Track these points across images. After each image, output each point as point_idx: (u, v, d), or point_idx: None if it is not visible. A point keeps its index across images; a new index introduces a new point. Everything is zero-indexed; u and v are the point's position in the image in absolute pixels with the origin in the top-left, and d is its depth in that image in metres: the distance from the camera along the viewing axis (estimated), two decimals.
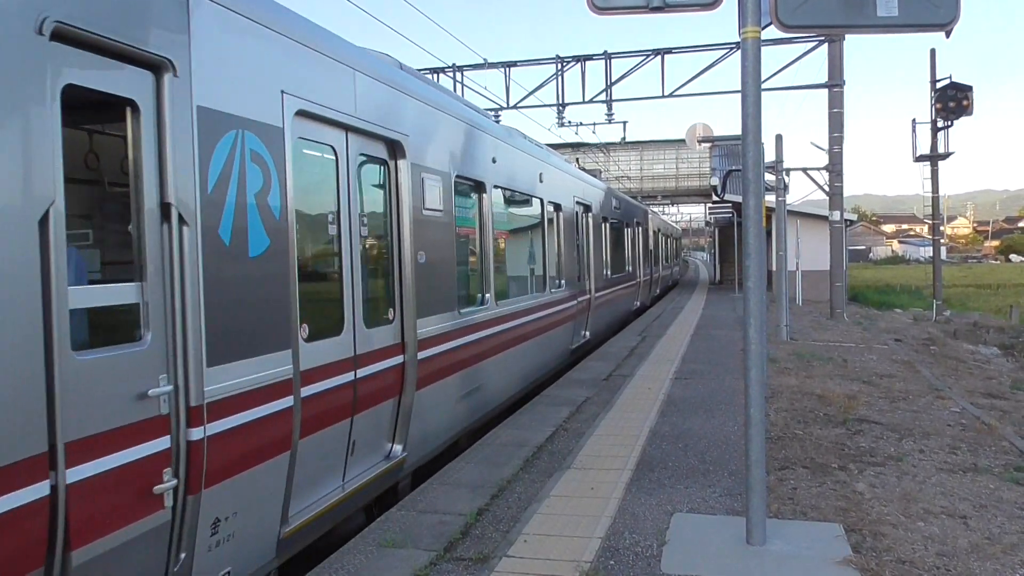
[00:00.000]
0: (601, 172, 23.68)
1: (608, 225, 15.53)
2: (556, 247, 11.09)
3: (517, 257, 9.70)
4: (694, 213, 71.75)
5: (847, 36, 17.39)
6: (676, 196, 45.41)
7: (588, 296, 12.99)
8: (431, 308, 6.04)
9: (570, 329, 11.71)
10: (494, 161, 7.86)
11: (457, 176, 6.74)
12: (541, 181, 9.92)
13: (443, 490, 5.68)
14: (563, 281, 11.12)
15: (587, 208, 13.22)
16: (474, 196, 7.63)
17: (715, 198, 33.05)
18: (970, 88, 21.33)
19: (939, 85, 21.94)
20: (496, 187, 7.98)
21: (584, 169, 17.57)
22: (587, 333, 13.03)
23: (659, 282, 27.52)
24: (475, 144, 7.40)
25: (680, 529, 4.80)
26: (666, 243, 32.72)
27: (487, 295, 7.68)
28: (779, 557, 4.33)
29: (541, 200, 10.07)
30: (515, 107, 20.77)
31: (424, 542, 4.67)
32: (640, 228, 21.16)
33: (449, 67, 20.98)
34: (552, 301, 10.41)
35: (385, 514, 5.23)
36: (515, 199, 9.23)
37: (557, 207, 11.00)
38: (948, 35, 4.48)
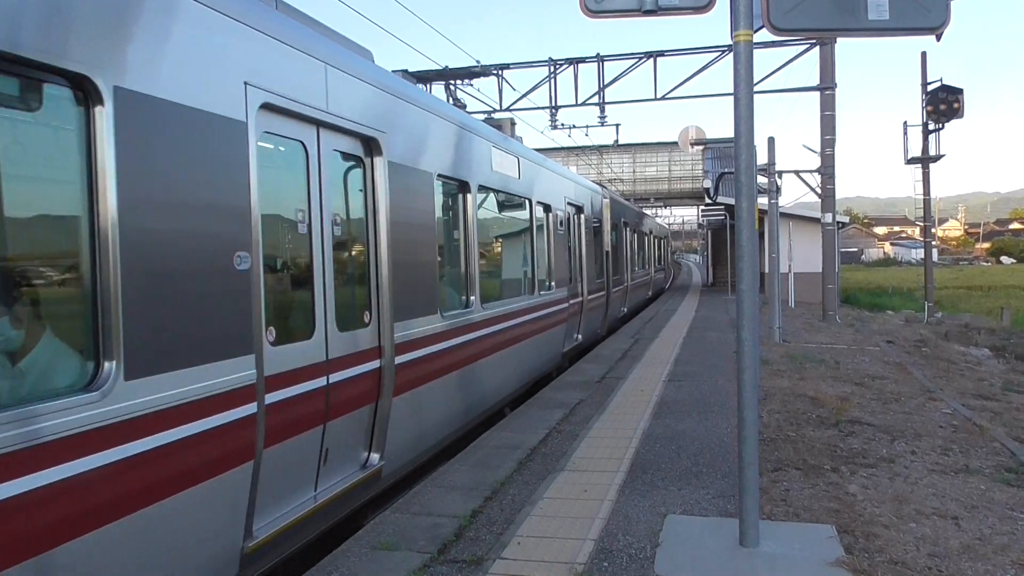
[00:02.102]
0: (507, 123, 10.73)
1: (504, 202, 9.39)
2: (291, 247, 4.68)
3: None
4: (687, 215, 71.94)
5: (839, 39, 17.46)
6: (669, 198, 45.64)
7: (425, 350, 6.25)
8: None
9: (306, 449, 4.67)
10: None
11: None
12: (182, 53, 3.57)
13: (437, 492, 5.67)
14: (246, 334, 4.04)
15: (453, 180, 7.25)
16: None
17: (708, 200, 33.17)
18: (961, 91, 21.44)
19: (930, 88, 22.05)
20: None
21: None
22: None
23: (627, 297, 20.15)
24: None
25: (673, 531, 4.81)
26: (641, 242, 24.47)
27: None
28: (772, 558, 4.35)
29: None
30: (508, 109, 20.81)
31: (418, 544, 4.67)
32: (583, 217, 13.68)
33: (442, 69, 20.99)
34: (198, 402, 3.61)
35: (379, 516, 5.23)
36: None
37: (304, 146, 4.70)
38: (939, 38, 4.51)
